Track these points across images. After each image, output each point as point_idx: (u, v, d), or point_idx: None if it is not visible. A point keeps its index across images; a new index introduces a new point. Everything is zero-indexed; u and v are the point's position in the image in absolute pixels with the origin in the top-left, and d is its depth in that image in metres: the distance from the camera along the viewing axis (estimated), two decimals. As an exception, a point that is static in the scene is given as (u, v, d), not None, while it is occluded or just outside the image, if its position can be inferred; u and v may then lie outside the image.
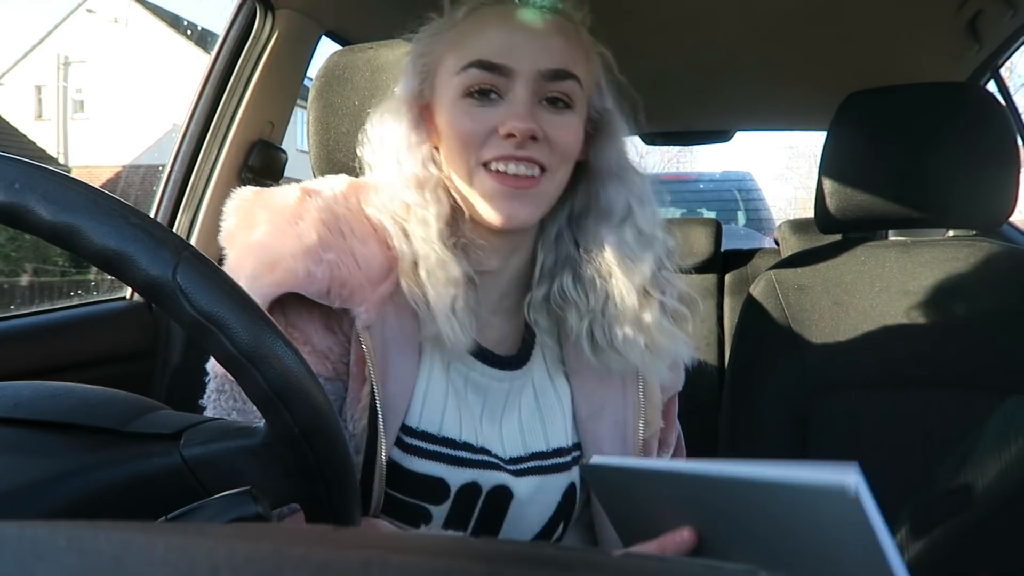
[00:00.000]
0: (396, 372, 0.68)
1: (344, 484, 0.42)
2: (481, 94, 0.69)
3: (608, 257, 0.75)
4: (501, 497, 0.74)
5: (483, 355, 0.74)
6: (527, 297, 0.78)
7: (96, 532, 0.18)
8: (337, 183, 0.75)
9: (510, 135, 0.67)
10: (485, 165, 0.69)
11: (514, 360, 0.76)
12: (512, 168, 0.68)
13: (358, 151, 0.79)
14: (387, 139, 0.75)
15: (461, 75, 0.70)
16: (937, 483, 1.04)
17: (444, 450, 0.70)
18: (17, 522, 0.19)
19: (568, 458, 0.77)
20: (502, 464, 0.73)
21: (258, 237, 0.68)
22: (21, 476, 0.36)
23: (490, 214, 0.70)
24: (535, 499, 0.75)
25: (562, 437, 0.77)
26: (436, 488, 0.71)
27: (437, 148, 0.74)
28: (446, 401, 0.72)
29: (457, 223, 0.73)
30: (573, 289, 0.76)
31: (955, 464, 1.04)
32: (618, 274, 0.74)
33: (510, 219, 0.70)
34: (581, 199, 0.77)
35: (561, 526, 0.78)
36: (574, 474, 0.77)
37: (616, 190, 0.75)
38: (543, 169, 0.70)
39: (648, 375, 0.78)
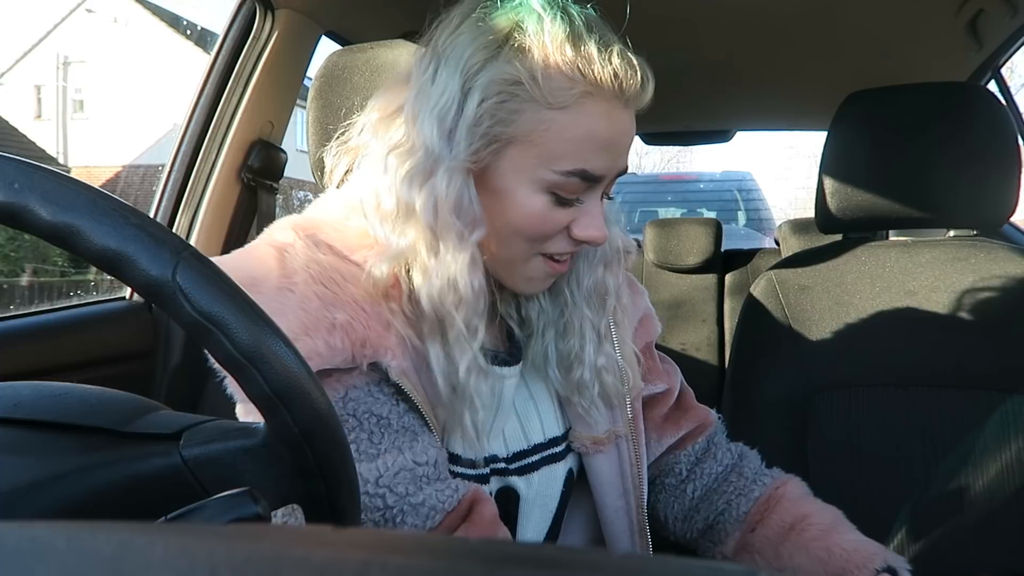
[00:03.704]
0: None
1: (344, 484, 0.42)
2: (564, 197, 0.64)
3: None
4: (507, 500, 0.74)
5: (494, 356, 0.73)
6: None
7: (96, 532, 0.18)
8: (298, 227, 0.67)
9: (585, 242, 0.67)
10: (544, 255, 0.68)
11: (512, 355, 0.76)
12: (565, 256, 0.69)
13: (324, 178, 0.73)
14: (418, 196, 0.62)
15: (557, 177, 0.62)
16: (937, 483, 1.04)
17: (451, 468, 0.69)
18: (17, 522, 0.19)
19: (564, 445, 0.77)
20: (505, 467, 0.73)
21: None
22: (21, 476, 0.36)
23: (529, 289, 0.71)
24: (541, 493, 0.75)
25: (554, 425, 0.78)
26: None
27: None
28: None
29: None
30: None
31: (955, 464, 1.04)
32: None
33: (543, 290, 0.72)
34: None
35: (564, 515, 0.79)
36: (571, 460, 0.78)
37: None
38: None
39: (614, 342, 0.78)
